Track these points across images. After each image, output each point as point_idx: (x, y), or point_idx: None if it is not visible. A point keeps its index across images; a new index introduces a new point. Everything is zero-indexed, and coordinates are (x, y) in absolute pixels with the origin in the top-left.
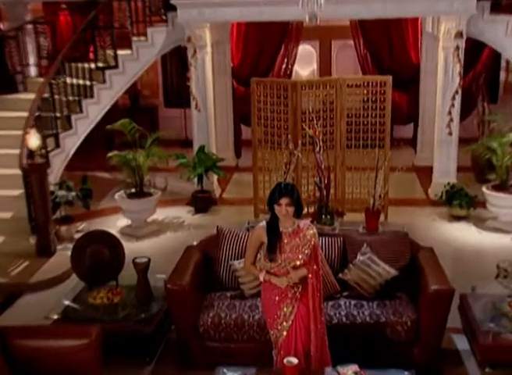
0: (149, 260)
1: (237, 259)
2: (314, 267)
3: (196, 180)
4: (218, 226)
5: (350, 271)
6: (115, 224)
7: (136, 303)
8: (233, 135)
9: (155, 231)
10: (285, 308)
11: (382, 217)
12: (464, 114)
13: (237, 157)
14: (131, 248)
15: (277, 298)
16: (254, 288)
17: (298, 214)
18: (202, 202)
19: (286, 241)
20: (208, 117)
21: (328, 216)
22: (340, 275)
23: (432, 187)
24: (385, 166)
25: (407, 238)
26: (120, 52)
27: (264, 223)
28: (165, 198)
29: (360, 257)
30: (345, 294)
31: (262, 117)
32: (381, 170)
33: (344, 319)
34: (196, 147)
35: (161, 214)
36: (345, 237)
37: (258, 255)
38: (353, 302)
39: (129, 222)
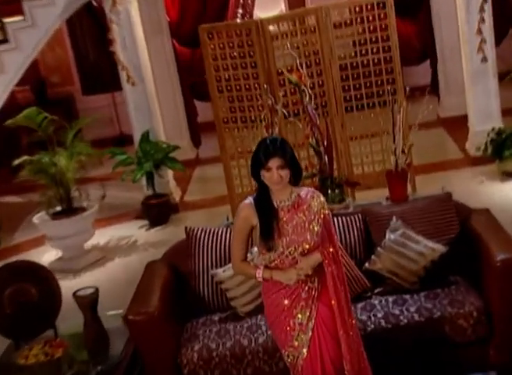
0: (96, 291)
1: (221, 267)
2: (331, 250)
3: (144, 181)
4: (186, 228)
5: (380, 257)
6: (41, 260)
7: (86, 355)
8: (186, 116)
9: (99, 260)
10: (299, 315)
11: (408, 188)
12: (499, 36)
13: (196, 146)
14: (69, 287)
15: (286, 301)
16: (251, 302)
17: (296, 179)
18: (158, 211)
19: (285, 218)
20: (148, 92)
21: (337, 191)
22: (367, 265)
23: (471, 140)
24: (401, 117)
25: (450, 201)
26: (8, 20)
27: (250, 199)
28: (105, 214)
29: (390, 236)
30: (377, 290)
31: (224, 85)
32: (398, 123)
33: (383, 322)
34: (137, 136)
35: (104, 236)
36: (365, 213)
37: (251, 254)
38: (391, 299)
39: (60, 253)
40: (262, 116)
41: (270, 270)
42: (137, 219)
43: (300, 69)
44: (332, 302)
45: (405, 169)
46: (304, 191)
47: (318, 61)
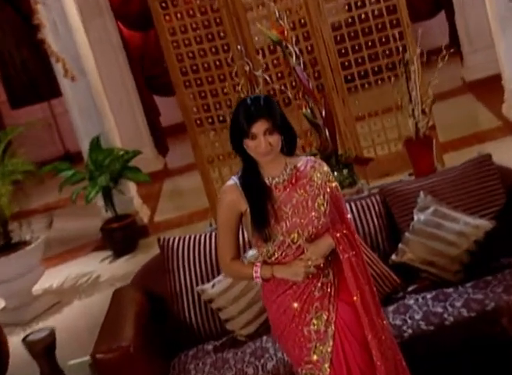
0: (52, 333)
1: (208, 281)
2: (344, 232)
3: (101, 201)
4: (159, 239)
5: (409, 245)
6: None
7: None
8: (145, 117)
9: (53, 306)
10: (314, 321)
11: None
12: None
13: (162, 154)
14: (18, 343)
15: (296, 304)
16: (251, 322)
17: (290, 147)
18: (122, 237)
19: (281, 198)
20: (93, 88)
21: (345, 171)
22: (394, 257)
23: (508, 102)
24: (416, 68)
25: (492, 165)
26: None
27: (234, 180)
28: (57, 249)
29: (419, 216)
30: (411, 287)
31: (188, 67)
32: (413, 76)
33: (423, 324)
34: (85, 146)
35: (57, 276)
36: (384, 194)
37: (245, 259)
38: (429, 296)
39: (3, 302)
40: (239, 87)
41: (270, 266)
42: (98, 251)
43: (281, 23)
44: (354, 298)
45: (428, 134)
46: (303, 162)
47: (306, 34)
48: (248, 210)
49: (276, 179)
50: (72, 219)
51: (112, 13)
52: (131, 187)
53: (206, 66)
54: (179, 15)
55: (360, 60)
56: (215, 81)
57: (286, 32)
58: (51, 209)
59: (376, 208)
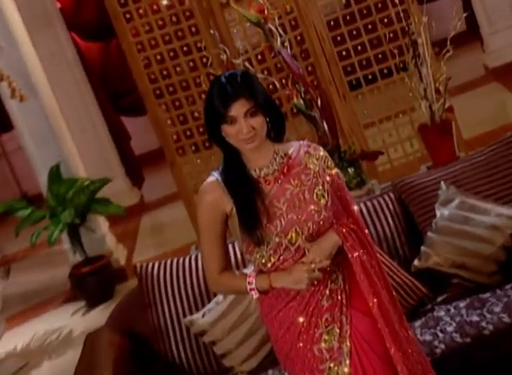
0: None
1: (197, 310)
2: (351, 226)
3: (67, 243)
4: (136, 266)
5: (434, 247)
6: None
7: None
8: (113, 143)
9: (20, 370)
10: (325, 336)
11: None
12: None
13: (137, 186)
14: None
15: (301, 318)
16: (253, 355)
17: (278, 131)
18: (95, 283)
19: (273, 192)
20: (47, 108)
21: (350, 170)
22: (416, 263)
23: None
24: (424, 39)
25: None
26: None
27: (215, 175)
28: (20, 306)
29: (442, 211)
30: (440, 297)
31: (158, 73)
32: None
33: (458, 337)
34: (43, 178)
35: (22, 335)
36: (398, 190)
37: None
38: (462, 304)
39: None
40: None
41: (267, 275)
42: (68, 303)
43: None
44: (370, 305)
45: (446, 117)
46: (294, 147)
47: (294, 23)
48: (234, 210)
49: (265, 170)
50: (34, 270)
51: (64, 23)
52: (102, 224)
53: (178, 69)
54: (141, 11)
55: (360, 48)
56: (190, 87)
57: (266, 10)
58: (8, 262)
59: (391, 207)
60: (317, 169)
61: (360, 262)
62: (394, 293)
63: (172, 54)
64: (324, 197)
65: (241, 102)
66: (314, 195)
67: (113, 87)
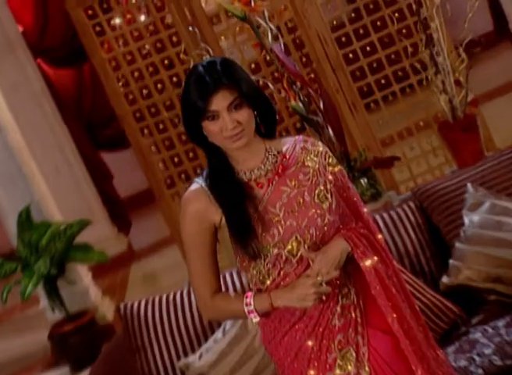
0: None
1: (193, 352)
2: (361, 231)
3: (44, 298)
4: (119, 307)
5: (464, 259)
6: None
7: None
8: (93, 183)
9: None
10: (340, 361)
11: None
12: None
13: (124, 231)
14: None
15: (310, 342)
16: None
17: (269, 126)
18: (79, 343)
19: (267, 196)
20: (12, 144)
21: (363, 181)
22: (445, 279)
23: None
24: (438, 23)
25: None
26: None
27: (199, 182)
28: None
29: (471, 217)
30: (476, 318)
31: (138, 95)
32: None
33: (497, 360)
34: (11, 224)
35: None
36: (419, 198)
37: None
38: (501, 323)
39: None
40: None
41: (267, 294)
42: (49, 370)
43: None
44: (389, 321)
45: (469, 111)
46: (289, 144)
47: (291, 24)
48: (224, 220)
49: (256, 171)
50: (9, 336)
51: (28, 48)
52: (84, 274)
53: (160, 86)
54: (113, 23)
55: (369, 48)
56: (175, 105)
57: (252, 2)
58: None
59: (411, 218)
60: (316, 166)
61: (374, 272)
62: (417, 307)
63: (151, 69)
64: (327, 198)
65: (223, 94)
66: (316, 197)
67: (90, 119)
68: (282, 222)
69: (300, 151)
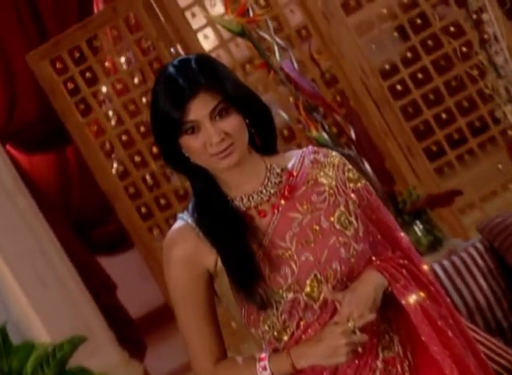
0: None
1: None
2: (400, 261)
3: None
4: None
5: None
6: None
7: None
8: (91, 295)
9: None
10: None
11: None
12: None
13: (138, 357)
14: None
15: None
16: None
17: (268, 138)
18: None
19: (273, 226)
20: None
21: (417, 226)
22: None
23: None
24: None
25: None
26: None
27: (184, 218)
28: None
29: None
30: None
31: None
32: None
33: None
34: None
35: None
36: (489, 236)
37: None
38: None
39: None
40: None
41: (286, 354)
42: None
43: None
44: (447, 372)
45: None
46: (296, 158)
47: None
48: (220, 263)
49: (256, 197)
50: None
51: None
52: None
53: (156, 150)
54: (89, 74)
55: (420, 75)
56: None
57: (250, 11)
58: None
59: (479, 262)
60: (333, 183)
61: (421, 310)
62: (483, 356)
63: (143, 129)
64: (351, 222)
65: (202, 99)
66: (336, 222)
67: (79, 215)
68: (296, 257)
69: (310, 166)
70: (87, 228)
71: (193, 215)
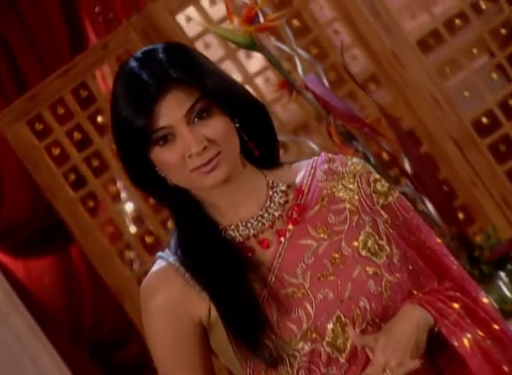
0: None
1: None
2: (450, 293)
3: None
4: None
5: None
6: None
7: None
8: None
9: None
10: None
11: None
12: None
13: None
14: None
15: None
16: None
17: (266, 145)
18: None
19: (279, 260)
20: None
21: (500, 279)
22: None
23: None
24: None
25: None
26: None
27: (165, 258)
28: None
29: None
30: None
31: None
32: None
33: None
34: None
35: None
36: None
37: None
38: None
39: None
40: None
41: None
42: None
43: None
44: None
45: None
46: (305, 170)
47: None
48: (214, 311)
49: (255, 223)
50: None
51: None
52: None
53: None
54: (77, 134)
55: None
56: None
57: (260, 15)
58: None
59: None
60: (356, 197)
61: (479, 353)
62: None
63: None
64: (382, 247)
65: (174, 98)
66: (361, 247)
67: (94, 335)
68: (311, 296)
69: (324, 178)
70: (105, 352)
71: (176, 252)
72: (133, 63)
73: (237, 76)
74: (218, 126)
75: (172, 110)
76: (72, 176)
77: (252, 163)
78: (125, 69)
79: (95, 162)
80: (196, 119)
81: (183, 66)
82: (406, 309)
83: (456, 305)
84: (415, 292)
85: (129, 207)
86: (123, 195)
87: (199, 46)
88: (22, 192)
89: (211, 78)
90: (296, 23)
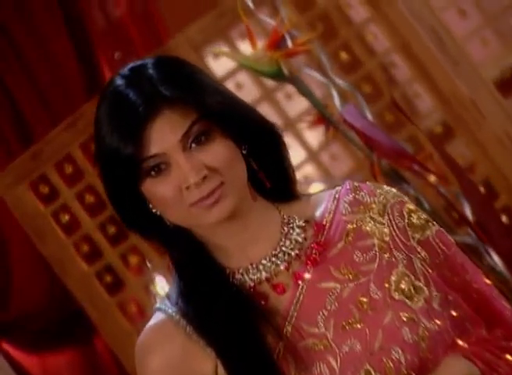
0: None
1: None
2: (502, 343)
3: None
4: None
5: None
6: None
7: None
8: None
9: None
10: None
11: None
12: None
13: None
14: None
15: None
16: None
17: (280, 175)
18: None
19: (296, 307)
20: None
21: None
22: None
23: None
24: None
25: None
26: None
27: (165, 310)
28: None
29: None
30: None
31: None
32: None
33: None
34: None
35: None
36: None
37: None
38: None
39: None
40: None
41: None
42: None
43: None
44: None
45: None
46: (326, 202)
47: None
48: (221, 369)
49: (267, 264)
50: None
51: None
52: None
53: None
54: (89, 197)
55: None
56: None
57: (288, 39)
58: None
59: None
60: (387, 231)
61: None
62: None
63: None
64: (419, 289)
65: (167, 120)
66: (394, 289)
67: None
68: (335, 348)
69: (349, 211)
70: None
71: (176, 303)
72: (118, 81)
73: (276, 121)
74: (219, 152)
75: (164, 135)
76: (85, 247)
77: (264, 196)
78: (109, 88)
79: (111, 229)
80: (193, 145)
81: (176, 82)
82: (448, 362)
83: (509, 357)
84: (459, 342)
85: (158, 281)
86: (149, 266)
87: (230, 86)
88: (34, 273)
89: (210, 95)
90: (344, 55)
